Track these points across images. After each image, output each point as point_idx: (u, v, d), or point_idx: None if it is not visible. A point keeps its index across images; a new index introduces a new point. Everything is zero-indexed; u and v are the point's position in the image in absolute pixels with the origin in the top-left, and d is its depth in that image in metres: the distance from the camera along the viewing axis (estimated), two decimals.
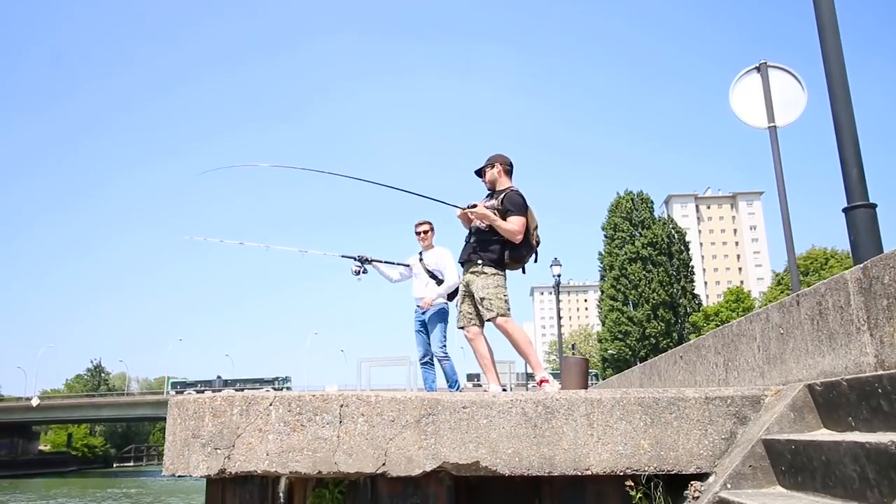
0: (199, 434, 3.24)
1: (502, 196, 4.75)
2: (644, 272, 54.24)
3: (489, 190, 4.95)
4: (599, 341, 61.41)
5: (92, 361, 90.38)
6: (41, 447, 76.08)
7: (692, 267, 57.47)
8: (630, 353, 53.20)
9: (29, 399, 63.73)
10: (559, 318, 24.45)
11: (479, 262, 4.71)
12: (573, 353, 59.80)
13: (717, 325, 48.76)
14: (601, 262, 58.09)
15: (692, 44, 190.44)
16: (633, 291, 54.57)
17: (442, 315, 6.65)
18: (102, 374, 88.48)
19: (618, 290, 55.12)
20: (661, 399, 3.14)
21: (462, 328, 4.91)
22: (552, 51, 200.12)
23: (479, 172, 5.02)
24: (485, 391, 4.60)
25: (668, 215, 69.71)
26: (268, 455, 3.14)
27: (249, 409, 3.21)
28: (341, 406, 3.19)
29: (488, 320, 4.69)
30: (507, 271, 4.85)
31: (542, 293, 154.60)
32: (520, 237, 4.67)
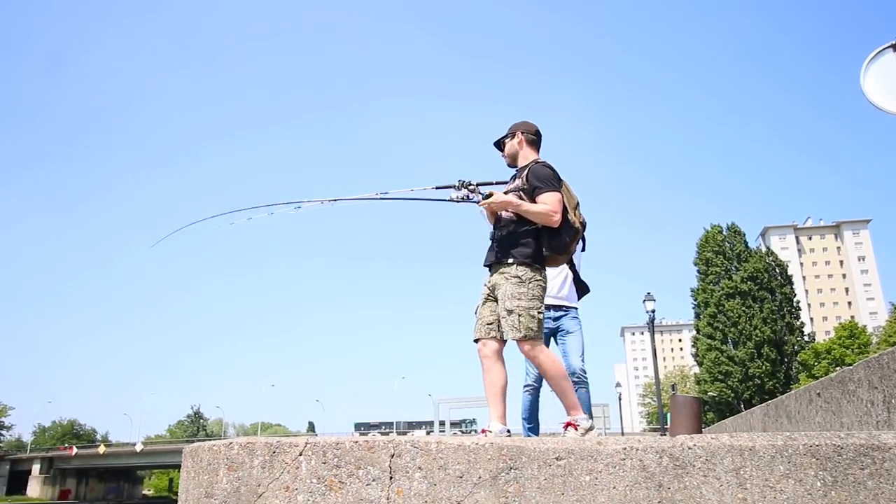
0: (212, 492, 2.49)
1: (526, 171, 3.72)
2: (744, 308, 50.87)
3: (510, 167, 3.94)
4: (698, 383, 57.87)
5: (192, 408, 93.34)
6: (145, 491, 78.63)
7: (797, 301, 53.54)
8: (732, 394, 49.65)
9: (133, 445, 66.10)
10: (655, 355, 22.74)
11: (511, 260, 3.58)
12: (674, 394, 56.34)
13: (830, 364, 45.06)
14: (695, 299, 55.02)
15: (782, 69, 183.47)
16: (732, 329, 51.21)
17: (578, 320, 5.21)
18: (201, 420, 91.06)
19: (715, 328, 51.90)
20: (846, 447, 2.16)
21: (477, 341, 3.71)
22: (633, 77, 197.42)
23: (499, 145, 4.00)
24: (485, 433, 3.47)
25: (767, 248, 65.77)
26: None
27: (274, 461, 2.44)
28: (392, 456, 2.37)
29: (512, 340, 3.55)
30: (549, 268, 3.74)
31: (634, 333, 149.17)
32: (557, 217, 3.55)
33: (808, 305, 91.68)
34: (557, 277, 5.04)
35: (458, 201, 3.86)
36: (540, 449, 2.32)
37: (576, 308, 5.12)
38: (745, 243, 54.46)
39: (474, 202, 3.78)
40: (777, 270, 54.05)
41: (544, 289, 3.61)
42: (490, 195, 3.69)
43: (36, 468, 64.67)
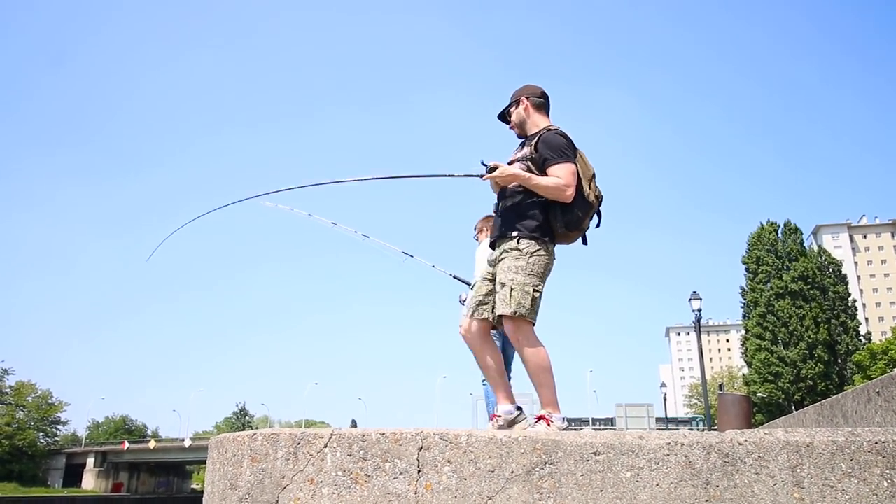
0: (236, 484, 2.42)
1: (535, 140, 3.35)
2: (795, 308, 49.36)
3: (519, 137, 3.59)
4: (746, 384, 56.31)
5: (237, 405, 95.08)
6: (193, 486, 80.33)
7: (853, 301, 51.71)
8: (783, 396, 48.23)
9: (182, 440, 67.64)
10: (701, 355, 22.11)
11: (515, 234, 3.23)
12: (722, 392, 55.21)
13: (887, 365, 43.33)
14: (744, 299, 53.62)
15: (835, 64, 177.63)
16: (782, 329, 49.75)
17: None
18: (247, 417, 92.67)
19: (765, 329, 50.50)
20: None
21: (465, 317, 3.39)
22: (682, 75, 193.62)
23: (504, 116, 3.65)
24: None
25: (819, 246, 63.71)
26: None
27: (298, 453, 2.35)
28: (420, 449, 2.26)
29: (498, 316, 3.19)
30: (562, 245, 3.38)
31: (679, 333, 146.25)
32: (571, 192, 3.17)
33: (864, 305, 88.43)
34: None
35: (460, 176, 3.60)
36: (577, 443, 2.17)
37: None
38: (801, 242, 52.85)
39: (477, 176, 3.47)
40: (830, 269, 52.38)
41: (548, 267, 3.24)
42: (494, 167, 3.35)
43: (90, 462, 66.71)
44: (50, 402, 68.95)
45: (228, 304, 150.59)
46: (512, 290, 3.11)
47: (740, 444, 2.08)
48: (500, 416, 3.29)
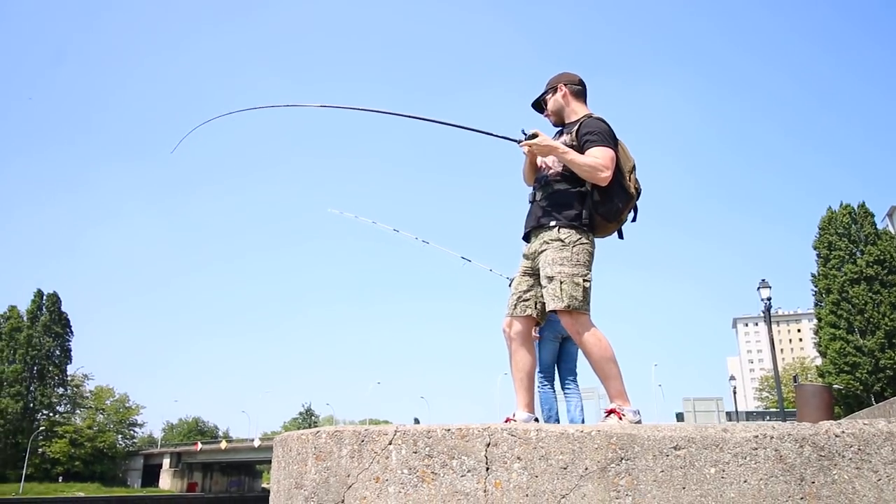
0: (302, 483, 2.38)
1: (576, 126, 3.22)
2: (871, 294, 47.04)
3: (555, 125, 3.46)
4: (821, 375, 54.03)
5: (303, 405, 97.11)
6: (263, 485, 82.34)
7: None
8: (861, 387, 46.05)
9: (252, 440, 69.52)
10: (773, 345, 21.21)
11: (553, 223, 3.12)
12: (796, 385, 53.38)
13: None
14: (816, 286, 51.39)
15: None
16: (858, 317, 47.50)
17: None
18: (313, 417, 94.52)
19: (839, 317, 48.30)
20: None
21: (509, 316, 3.26)
22: (760, 53, 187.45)
23: (539, 105, 3.50)
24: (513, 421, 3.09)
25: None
26: None
27: (363, 450, 2.29)
28: (488, 446, 2.16)
29: (552, 311, 3.06)
30: (597, 238, 3.24)
31: (747, 324, 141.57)
32: (607, 175, 3.05)
33: None
34: None
35: (498, 137, 3.40)
36: (655, 437, 2.04)
37: None
38: (874, 224, 50.43)
39: (514, 141, 3.32)
40: None
41: (592, 255, 3.13)
42: (535, 135, 3.18)
43: (166, 462, 69.32)
44: (127, 405, 72.06)
45: (294, 308, 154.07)
46: (562, 283, 2.99)
47: (837, 437, 1.91)
48: (514, 422, 3.16)
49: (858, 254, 48.84)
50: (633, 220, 3.32)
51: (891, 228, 61.39)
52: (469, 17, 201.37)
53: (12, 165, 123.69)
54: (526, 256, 3.30)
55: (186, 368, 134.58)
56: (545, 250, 3.12)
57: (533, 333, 3.44)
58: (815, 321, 54.04)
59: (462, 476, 2.15)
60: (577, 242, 3.08)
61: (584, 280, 3.02)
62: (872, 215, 50.93)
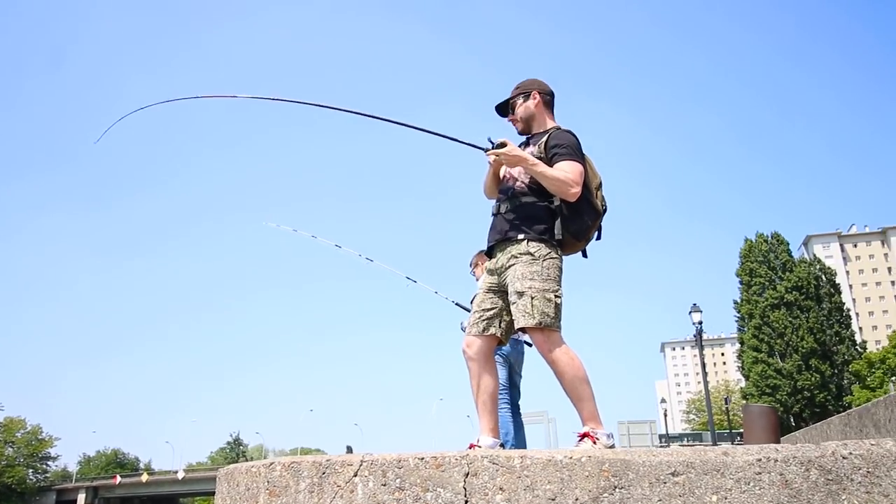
0: None
1: (545, 137, 3.09)
2: (790, 319, 49.24)
3: (521, 133, 3.30)
4: (744, 397, 56.03)
5: (231, 434, 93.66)
6: None
7: (847, 310, 51.71)
8: (781, 409, 47.89)
9: (175, 472, 66.41)
10: (704, 367, 21.75)
11: (522, 237, 2.95)
12: (727, 407, 55.34)
13: (885, 374, 43.17)
14: (738, 311, 53.53)
15: (820, 72, 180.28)
16: (778, 341, 49.61)
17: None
18: (241, 447, 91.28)
19: (761, 341, 50.34)
20: None
21: (473, 336, 3.04)
22: (673, 87, 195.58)
23: (504, 109, 3.31)
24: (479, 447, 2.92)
25: (814, 255, 63.91)
26: None
27: (324, 484, 2.02)
28: (466, 476, 1.94)
29: (521, 329, 2.89)
30: (564, 255, 3.08)
31: (675, 348, 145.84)
32: (576, 190, 2.91)
33: (857, 314, 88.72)
34: None
35: (464, 143, 3.23)
36: (651, 463, 1.87)
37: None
38: (789, 252, 53.05)
39: (481, 149, 3.15)
40: (824, 278, 52.50)
41: (561, 270, 2.98)
42: (503, 144, 3.02)
43: (81, 498, 65.19)
44: (40, 437, 67.76)
45: (220, 332, 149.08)
46: (532, 298, 2.81)
47: (844, 458, 1.79)
48: (479, 448, 2.95)
49: (777, 280, 51.15)
50: (598, 238, 3.20)
51: (807, 256, 64.72)
52: (419, 35, 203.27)
53: None
54: (490, 272, 3.12)
55: (105, 398, 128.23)
56: (513, 265, 2.94)
57: None
58: (739, 345, 56.12)
59: None
60: (547, 257, 2.93)
61: (556, 296, 2.87)
62: (787, 243, 53.58)
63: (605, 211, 3.16)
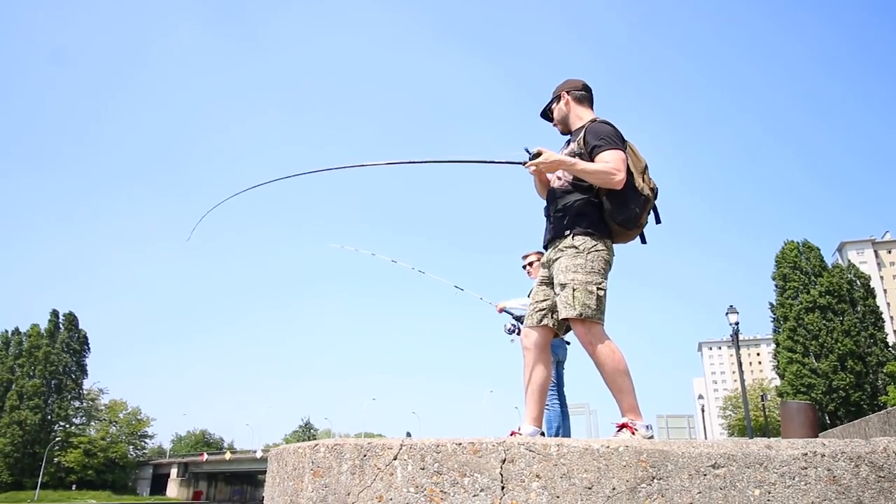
0: (297, 502, 1.98)
1: (581, 133, 2.92)
2: (824, 321, 47.02)
3: (563, 133, 3.15)
4: (779, 395, 53.72)
5: (302, 419, 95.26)
6: (265, 494, 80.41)
7: (881, 314, 49.03)
8: (816, 407, 45.70)
9: (254, 452, 67.91)
10: (741, 367, 20.86)
11: (568, 232, 2.81)
12: (763, 403, 53.35)
13: None
14: (774, 313, 51.37)
15: (855, 79, 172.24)
16: (813, 342, 47.40)
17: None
18: (311, 430, 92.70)
19: (796, 342, 48.19)
20: None
21: (529, 328, 2.93)
22: (715, 94, 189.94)
23: (548, 114, 3.20)
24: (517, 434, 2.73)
25: (849, 261, 60.91)
26: None
27: (365, 466, 1.90)
28: (503, 462, 1.79)
29: (564, 320, 2.74)
30: (616, 244, 2.91)
31: (712, 348, 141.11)
32: (621, 177, 2.71)
33: (891, 318, 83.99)
34: None
35: (502, 163, 3.07)
36: (690, 454, 1.67)
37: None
38: (821, 258, 50.68)
39: (519, 164, 2.98)
40: (858, 283, 50.00)
41: (609, 263, 2.81)
42: (538, 154, 2.87)
43: (174, 472, 67.49)
44: (139, 418, 70.28)
45: (297, 329, 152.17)
46: (574, 290, 2.66)
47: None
48: (519, 435, 2.78)
49: (812, 285, 48.96)
50: (658, 221, 2.98)
51: (841, 262, 61.71)
52: (452, 62, 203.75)
53: (28, 185, 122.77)
54: (544, 265, 2.99)
55: (195, 384, 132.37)
56: (559, 258, 2.81)
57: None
58: (774, 346, 53.86)
59: (474, 496, 1.77)
60: (593, 249, 2.76)
61: (598, 288, 2.69)
62: (818, 249, 51.27)
63: (655, 193, 2.92)
